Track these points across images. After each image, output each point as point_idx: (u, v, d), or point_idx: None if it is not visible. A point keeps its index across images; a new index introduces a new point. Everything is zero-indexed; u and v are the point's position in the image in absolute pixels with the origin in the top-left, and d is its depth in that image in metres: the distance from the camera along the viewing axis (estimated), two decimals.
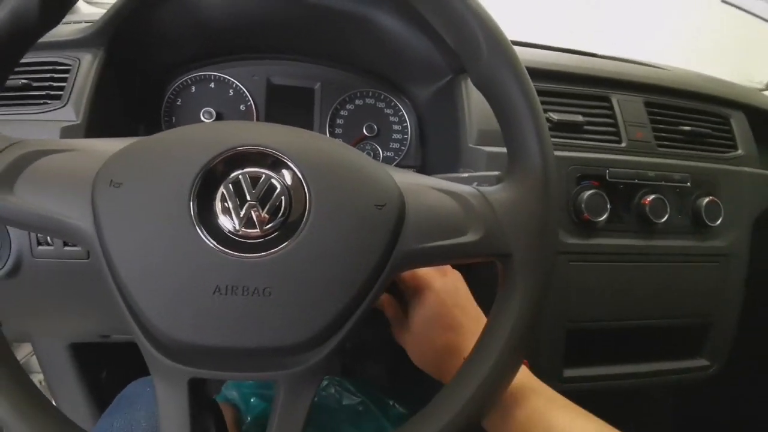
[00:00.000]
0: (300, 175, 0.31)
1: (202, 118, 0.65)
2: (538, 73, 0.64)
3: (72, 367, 0.70)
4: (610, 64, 0.72)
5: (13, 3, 0.31)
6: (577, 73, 0.65)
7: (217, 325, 0.29)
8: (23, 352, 0.96)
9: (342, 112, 0.71)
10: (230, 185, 0.30)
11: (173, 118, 0.66)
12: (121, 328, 0.64)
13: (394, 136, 0.72)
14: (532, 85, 0.37)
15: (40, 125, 0.51)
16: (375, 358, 0.99)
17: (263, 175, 0.31)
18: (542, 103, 0.62)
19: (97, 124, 0.53)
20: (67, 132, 0.50)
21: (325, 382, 0.74)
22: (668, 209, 0.62)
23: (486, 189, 0.38)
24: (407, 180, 0.35)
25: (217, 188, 0.30)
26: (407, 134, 0.72)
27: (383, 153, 0.71)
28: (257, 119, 0.67)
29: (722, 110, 0.74)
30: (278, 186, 0.31)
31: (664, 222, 0.62)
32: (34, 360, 0.91)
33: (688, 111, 0.71)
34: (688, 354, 0.72)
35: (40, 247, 0.52)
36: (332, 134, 0.70)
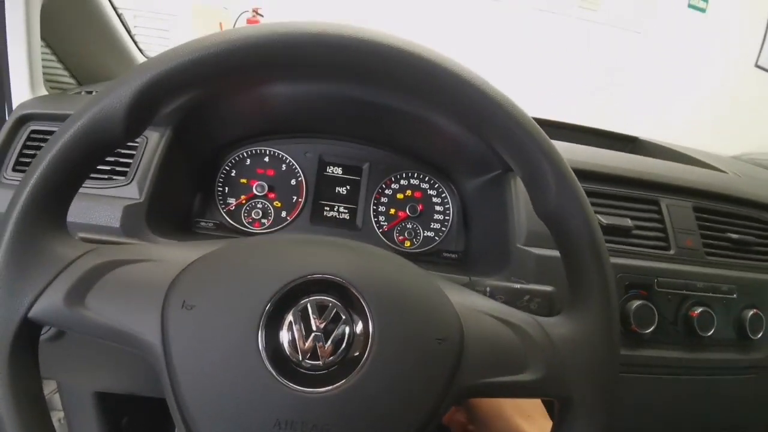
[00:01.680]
0: (365, 307, 0.31)
1: (255, 192, 0.66)
2: (586, 175, 0.64)
3: (94, 412, 0.70)
4: (657, 165, 0.72)
5: (96, 112, 0.31)
6: (626, 175, 0.65)
7: None
8: (47, 389, 0.96)
9: (387, 191, 0.72)
10: (298, 313, 0.31)
11: (227, 188, 0.67)
12: (149, 388, 0.64)
13: (436, 217, 0.73)
14: (596, 222, 0.38)
15: (104, 201, 0.52)
16: None
17: (330, 304, 0.31)
18: (590, 204, 0.63)
19: (157, 201, 0.54)
20: (130, 210, 0.52)
21: None
22: (715, 322, 0.61)
23: (544, 320, 0.37)
24: (465, 303, 0.35)
25: (285, 316, 0.30)
26: (449, 217, 0.72)
27: (424, 233, 0.72)
28: (306, 194, 0.69)
29: (766, 215, 0.74)
30: (343, 316, 0.31)
31: (710, 335, 0.60)
32: (56, 398, 0.91)
33: (735, 217, 0.71)
34: None
35: None
36: (375, 212, 0.71)
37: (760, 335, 0.64)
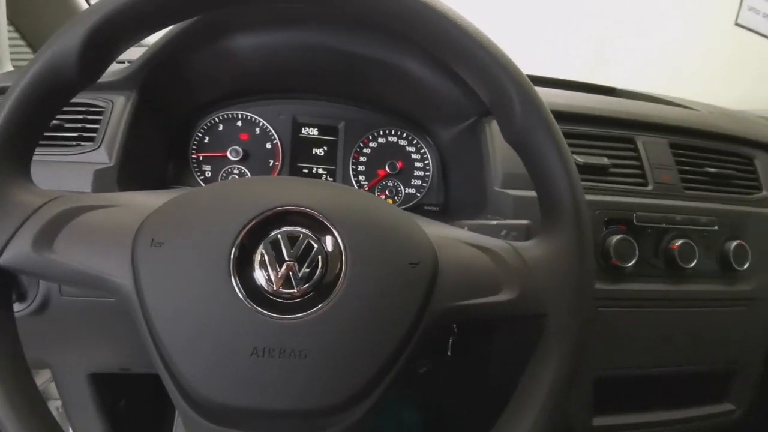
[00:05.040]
0: (337, 235, 0.31)
1: (229, 156, 0.66)
2: (562, 116, 0.64)
3: (91, 395, 0.70)
4: (633, 105, 0.72)
5: (48, 55, 0.31)
6: (601, 115, 0.65)
7: (254, 387, 0.29)
8: (42, 378, 0.96)
9: (365, 150, 0.71)
10: (269, 245, 0.31)
11: (201, 155, 0.66)
12: (143, 362, 0.64)
13: (416, 173, 0.72)
14: (566, 145, 0.38)
15: (74, 167, 0.52)
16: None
17: (301, 235, 0.31)
18: (568, 145, 0.63)
19: (128, 166, 0.54)
20: (100, 175, 0.51)
21: None
22: (697, 254, 0.61)
23: (519, 244, 0.38)
24: (439, 233, 0.35)
25: (256, 248, 0.31)
26: (429, 172, 0.72)
27: (405, 190, 0.72)
28: (282, 157, 0.68)
29: (746, 150, 0.74)
30: (315, 245, 0.31)
31: (693, 267, 0.61)
32: (52, 386, 0.91)
33: (712, 152, 0.71)
34: (715, 399, 0.71)
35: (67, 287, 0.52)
36: (355, 171, 0.70)
37: (746, 266, 0.65)
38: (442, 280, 0.33)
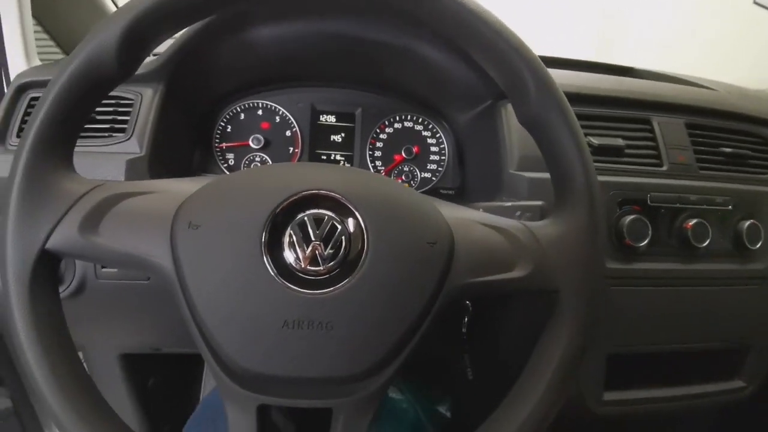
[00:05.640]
0: (359, 217, 0.33)
1: (251, 144, 0.68)
2: (577, 98, 0.64)
3: (121, 375, 0.74)
4: (648, 85, 0.72)
5: (89, 51, 0.33)
6: (617, 96, 0.66)
7: (285, 356, 0.31)
8: None
9: (381, 136, 0.73)
10: (297, 226, 0.33)
11: (224, 144, 0.69)
12: (173, 341, 0.67)
13: (432, 157, 0.74)
14: (579, 126, 0.39)
15: (107, 157, 0.54)
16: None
17: (326, 217, 0.33)
18: (583, 127, 0.63)
19: (158, 155, 0.56)
20: (133, 164, 0.54)
21: None
22: (710, 233, 0.62)
23: (532, 224, 0.39)
24: (455, 215, 0.37)
25: (285, 230, 0.33)
26: (445, 156, 0.74)
27: (421, 174, 0.73)
28: (302, 144, 0.70)
29: (762, 130, 0.74)
30: (339, 227, 0.33)
31: (706, 246, 0.62)
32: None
33: (728, 131, 0.71)
34: (726, 376, 0.72)
35: (104, 269, 0.55)
36: (372, 157, 0.72)
37: (759, 245, 0.65)
38: (458, 258, 0.34)
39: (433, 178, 0.73)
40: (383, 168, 0.72)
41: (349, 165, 0.72)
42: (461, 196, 0.72)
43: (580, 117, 0.63)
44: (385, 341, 0.32)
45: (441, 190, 0.73)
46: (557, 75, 0.58)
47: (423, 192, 0.73)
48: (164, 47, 0.57)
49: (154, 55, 0.59)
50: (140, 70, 0.58)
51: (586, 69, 0.89)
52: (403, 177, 0.72)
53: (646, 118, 0.66)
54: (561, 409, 0.36)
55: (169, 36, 0.37)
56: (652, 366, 0.68)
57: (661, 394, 0.66)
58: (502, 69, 0.39)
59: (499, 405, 0.37)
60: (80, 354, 0.73)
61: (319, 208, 0.33)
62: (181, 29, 0.37)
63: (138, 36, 0.34)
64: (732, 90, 0.82)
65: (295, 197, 0.33)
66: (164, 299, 0.34)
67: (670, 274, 0.62)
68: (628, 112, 0.66)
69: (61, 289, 0.56)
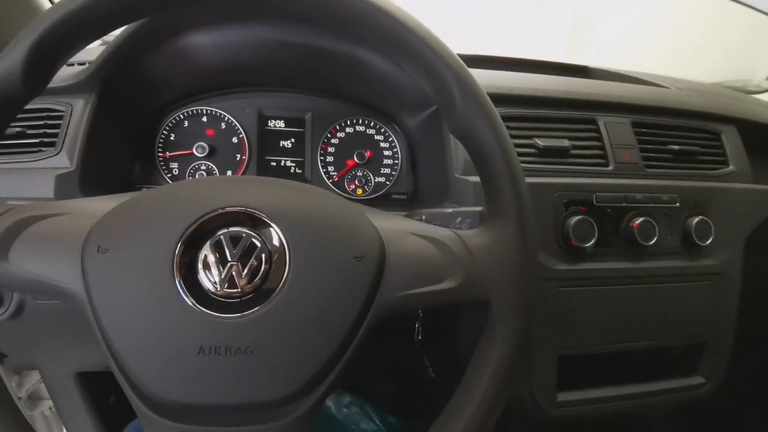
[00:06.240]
0: (279, 233, 0.32)
1: (195, 153, 0.66)
2: (522, 100, 0.64)
3: (80, 394, 0.72)
4: (596, 85, 0.73)
5: None
6: (564, 97, 0.66)
7: (203, 384, 0.30)
8: (32, 380, 0.98)
9: (333, 141, 0.72)
10: (212, 246, 0.32)
11: (167, 153, 0.67)
12: None
13: (385, 161, 0.73)
14: (506, 133, 0.38)
15: (36, 173, 0.53)
16: (384, 376, 1.00)
17: (243, 235, 0.32)
18: (528, 129, 0.64)
19: (92, 168, 0.54)
20: (62, 179, 0.52)
21: (347, 399, 0.76)
22: (657, 231, 0.62)
23: (464, 233, 0.39)
24: (388, 226, 0.36)
25: (199, 250, 0.32)
26: (398, 160, 0.73)
27: (375, 179, 0.72)
28: (249, 151, 0.69)
29: (713, 126, 0.74)
30: (258, 245, 0.32)
31: (654, 244, 0.62)
32: (43, 387, 0.93)
33: (676, 129, 0.71)
34: (683, 373, 0.72)
35: None
36: (323, 162, 0.71)
37: (709, 241, 0.66)
38: (388, 272, 0.34)
39: (387, 183, 0.73)
40: (336, 173, 0.71)
41: (300, 171, 0.71)
42: (413, 201, 0.72)
43: (525, 119, 0.64)
44: (312, 363, 0.31)
45: (393, 195, 0.72)
46: (504, 76, 0.58)
47: (376, 197, 0.72)
48: (95, 56, 0.55)
49: (81, 64, 0.57)
50: (70, 81, 0.56)
51: (542, 68, 0.89)
52: (356, 182, 0.72)
53: (592, 119, 0.66)
54: (515, 412, 0.36)
55: (77, 51, 0.36)
56: (609, 366, 0.68)
57: (616, 392, 0.66)
58: (429, 78, 0.38)
59: (438, 416, 0.36)
60: (39, 376, 0.71)
61: (236, 225, 0.32)
62: (87, 44, 0.36)
63: (44, 53, 0.33)
64: (684, 87, 0.83)
65: (209, 215, 0.32)
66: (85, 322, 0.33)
67: (618, 273, 0.62)
68: (574, 113, 0.66)
69: (0, 311, 0.54)
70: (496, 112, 0.38)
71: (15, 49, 0.32)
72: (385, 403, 0.80)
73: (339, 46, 0.60)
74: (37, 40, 0.32)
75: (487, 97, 0.38)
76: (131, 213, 0.33)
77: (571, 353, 0.62)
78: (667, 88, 0.78)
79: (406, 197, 0.72)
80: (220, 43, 0.59)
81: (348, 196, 0.71)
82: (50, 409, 0.96)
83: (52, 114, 0.55)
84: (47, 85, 0.35)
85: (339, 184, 0.71)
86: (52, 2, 0.92)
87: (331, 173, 0.71)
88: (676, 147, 0.69)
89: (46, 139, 0.54)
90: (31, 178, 0.52)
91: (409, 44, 0.36)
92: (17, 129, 0.54)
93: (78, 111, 0.55)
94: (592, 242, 0.59)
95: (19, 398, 0.87)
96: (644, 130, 0.68)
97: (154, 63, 0.58)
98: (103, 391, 0.77)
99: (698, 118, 0.73)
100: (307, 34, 0.58)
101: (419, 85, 0.62)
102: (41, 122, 0.55)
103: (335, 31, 0.55)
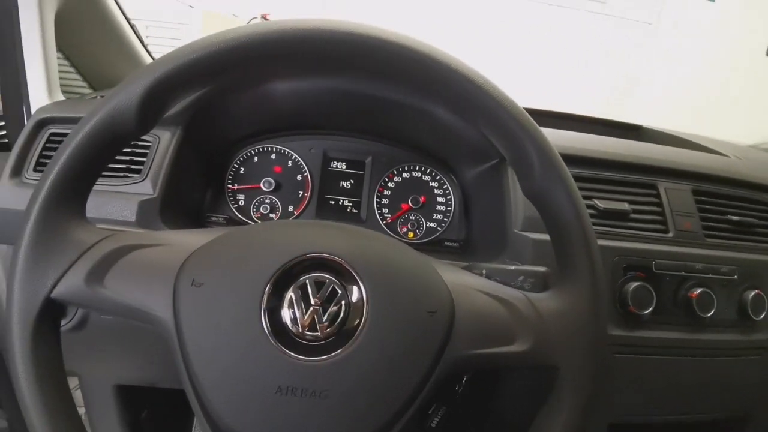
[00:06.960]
0: (360, 284, 0.34)
1: (262, 187, 0.69)
2: (582, 161, 0.65)
3: (115, 406, 0.73)
4: (656, 149, 0.73)
5: (110, 108, 0.34)
6: (624, 161, 0.66)
7: (275, 422, 0.31)
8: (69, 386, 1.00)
9: (390, 184, 0.74)
10: (298, 289, 0.33)
11: (236, 185, 0.70)
12: (171, 379, 0.67)
13: (438, 208, 0.74)
14: (581, 200, 0.39)
15: (121, 197, 0.56)
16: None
17: (327, 281, 0.34)
18: (588, 189, 0.64)
19: (170, 196, 0.57)
20: (144, 205, 0.55)
21: None
22: (715, 303, 0.61)
23: (534, 295, 0.39)
24: (456, 281, 0.37)
25: (286, 291, 0.33)
26: (451, 207, 0.74)
27: (426, 224, 0.74)
28: (311, 189, 0.71)
29: None
30: (339, 291, 0.33)
31: (711, 316, 0.61)
32: (78, 394, 0.95)
33: (735, 199, 0.71)
34: None
35: None
36: (379, 204, 0.73)
37: (762, 316, 0.64)
38: (457, 329, 0.34)
39: (438, 229, 0.74)
40: (390, 215, 0.73)
41: (356, 211, 0.73)
42: (465, 249, 0.72)
43: (585, 179, 0.64)
44: (381, 412, 0.32)
45: (445, 242, 0.73)
46: (563, 135, 0.58)
47: (427, 242, 0.73)
48: None
49: None
50: None
51: (593, 125, 0.90)
52: (409, 225, 0.73)
53: (653, 183, 0.67)
54: None
55: (186, 97, 0.38)
56: None
57: None
58: (507, 143, 0.40)
59: None
60: (76, 380, 0.73)
61: (321, 271, 0.34)
62: (197, 92, 0.39)
63: (158, 96, 0.35)
64: (743, 155, 0.83)
65: (298, 258, 0.34)
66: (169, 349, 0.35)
67: (674, 343, 0.61)
68: (634, 177, 0.67)
69: (63, 323, 0.57)
70: (572, 177, 0.39)
71: (130, 88, 0.34)
72: None
73: (411, 99, 0.62)
74: (155, 82, 0.35)
75: (563, 162, 0.39)
76: (226, 249, 0.35)
77: (621, 421, 0.61)
78: (726, 156, 0.78)
79: (458, 245, 0.73)
80: (298, 89, 0.62)
81: (399, 238, 0.73)
82: (81, 416, 0.97)
83: (140, 144, 0.59)
84: (156, 125, 0.38)
85: (392, 226, 0.73)
86: (152, 57, 0.99)
87: (385, 215, 0.73)
88: (735, 218, 0.68)
89: (132, 166, 0.58)
90: (115, 202, 0.55)
91: (487, 108, 0.38)
92: None
93: (164, 143, 0.58)
94: (650, 309, 0.58)
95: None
96: (704, 198, 0.68)
97: (238, 104, 0.62)
98: (137, 406, 0.78)
99: (757, 189, 0.73)
100: (382, 87, 0.61)
101: (482, 139, 0.64)
102: (129, 149, 0.58)
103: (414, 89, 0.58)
